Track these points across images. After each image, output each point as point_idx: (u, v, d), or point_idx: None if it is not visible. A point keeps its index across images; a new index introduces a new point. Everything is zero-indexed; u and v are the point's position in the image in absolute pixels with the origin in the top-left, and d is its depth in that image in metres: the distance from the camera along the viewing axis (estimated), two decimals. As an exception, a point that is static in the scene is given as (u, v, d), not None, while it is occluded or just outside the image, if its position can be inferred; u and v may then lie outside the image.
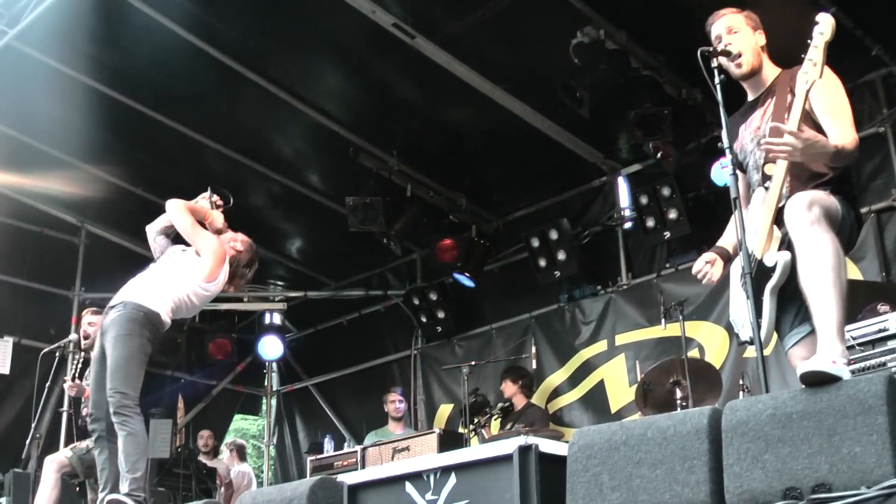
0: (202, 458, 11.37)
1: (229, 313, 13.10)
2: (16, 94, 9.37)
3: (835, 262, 3.94)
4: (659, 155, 9.14)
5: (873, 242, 8.52)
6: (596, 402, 10.28)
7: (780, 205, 4.30)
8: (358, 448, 9.35)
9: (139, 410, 6.38)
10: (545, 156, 10.20)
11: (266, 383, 14.41)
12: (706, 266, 4.83)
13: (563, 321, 10.90)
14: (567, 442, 3.75)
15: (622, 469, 3.46)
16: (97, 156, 10.70)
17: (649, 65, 8.63)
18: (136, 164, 10.89)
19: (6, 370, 11.64)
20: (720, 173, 8.83)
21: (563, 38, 8.27)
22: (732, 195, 4.48)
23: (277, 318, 13.57)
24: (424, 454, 8.12)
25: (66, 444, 11.55)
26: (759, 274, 4.30)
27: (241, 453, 12.97)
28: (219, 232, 7.06)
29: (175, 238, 7.16)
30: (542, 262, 10.62)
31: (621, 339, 10.25)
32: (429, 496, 4.04)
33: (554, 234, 10.47)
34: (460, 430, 9.40)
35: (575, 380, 10.55)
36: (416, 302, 11.91)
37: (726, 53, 4.70)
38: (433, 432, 8.75)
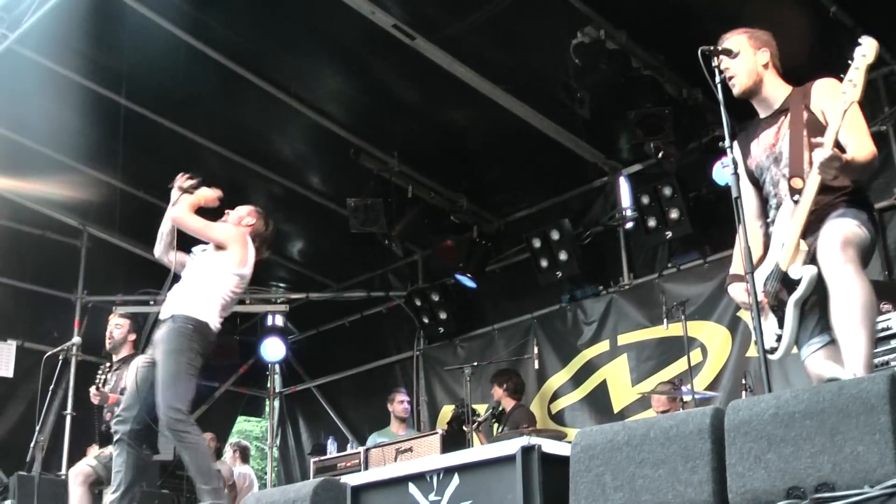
0: (205, 461, 11.36)
1: (231, 315, 13.09)
2: (17, 97, 9.37)
3: (866, 302, 4.14)
4: (660, 155, 9.13)
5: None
6: (598, 403, 10.28)
7: (809, 219, 4.39)
8: (361, 449, 9.36)
9: (193, 421, 6.41)
10: (546, 156, 10.20)
11: (269, 385, 14.42)
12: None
13: (564, 321, 10.90)
14: (570, 442, 3.75)
15: (625, 469, 3.46)
16: (98, 159, 10.72)
17: (650, 65, 8.63)
18: (137, 166, 10.88)
19: (9, 373, 11.66)
20: (721, 173, 8.83)
21: (564, 39, 8.26)
22: (734, 195, 4.50)
23: (279, 320, 13.54)
24: (427, 455, 8.12)
25: (71, 448, 11.62)
26: (784, 285, 4.44)
27: (244, 455, 12.96)
28: (220, 204, 7.04)
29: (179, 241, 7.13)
30: (544, 263, 10.63)
31: (623, 339, 10.25)
32: (432, 497, 4.04)
33: (555, 235, 10.47)
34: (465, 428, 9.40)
35: (577, 380, 10.55)
36: (418, 303, 11.92)
37: (727, 52, 4.73)
38: (436, 433, 8.76)
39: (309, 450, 12.61)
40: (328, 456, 10.23)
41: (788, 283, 4.44)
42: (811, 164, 4.29)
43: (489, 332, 11.60)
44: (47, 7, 8.44)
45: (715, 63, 4.73)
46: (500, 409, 9.76)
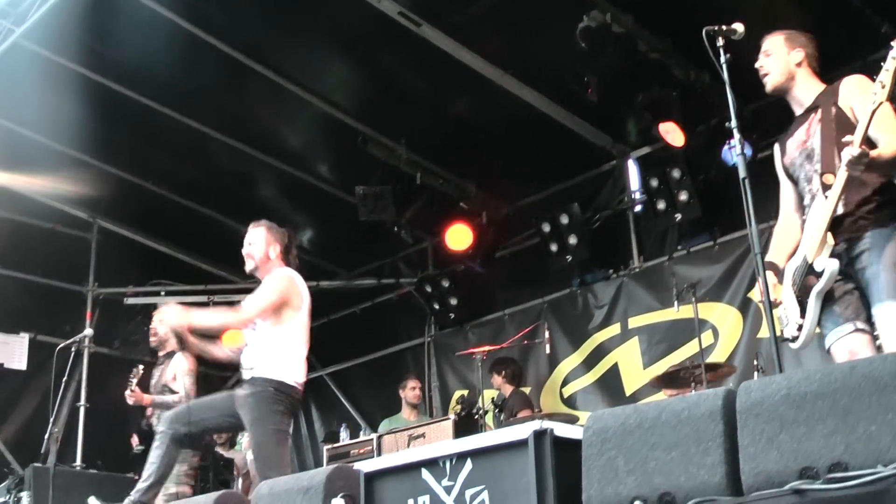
0: (219, 450, 11.38)
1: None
2: (24, 92, 9.38)
3: None
4: (668, 138, 9.12)
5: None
6: (610, 386, 10.28)
7: (836, 214, 4.47)
8: (374, 436, 9.39)
9: None
10: (554, 141, 10.18)
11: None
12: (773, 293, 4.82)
13: (575, 306, 10.90)
14: (582, 426, 3.75)
15: (637, 452, 3.47)
16: (106, 151, 10.74)
17: (656, 48, 8.61)
18: (145, 158, 10.91)
19: (23, 366, 11.71)
20: (730, 154, 8.81)
21: (570, 23, 8.24)
22: (741, 175, 4.51)
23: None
24: (440, 441, 8.13)
25: (85, 439, 11.67)
26: (808, 276, 4.52)
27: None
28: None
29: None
30: (554, 248, 10.62)
31: (634, 322, 10.25)
32: (445, 482, 4.05)
33: (564, 219, 10.47)
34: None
35: (589, 364, 10.56)
36: (429, 289, 11.93)
37: (731, 32, 4.78)
38: (448, 419, 8.78)
39: (322, 437, 12.63)
40: (341, 443, 10.26)
41: (813, 275, 4.51)
42: (841, 160, 4.34)
43: (500, 317, 11.61)
44: (52, 1, 8.45)
45: (720, 43, 4.75)
46: (502, 398, 9.83)
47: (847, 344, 4.45)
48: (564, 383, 10.71)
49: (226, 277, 13.08)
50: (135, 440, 8.52)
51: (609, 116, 9.89)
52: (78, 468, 11.02)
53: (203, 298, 12.14)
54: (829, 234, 4.47)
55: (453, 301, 11.80)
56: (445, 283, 11.77)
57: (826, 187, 4.53)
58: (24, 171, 10.76)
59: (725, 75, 4.72)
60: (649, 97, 8.96)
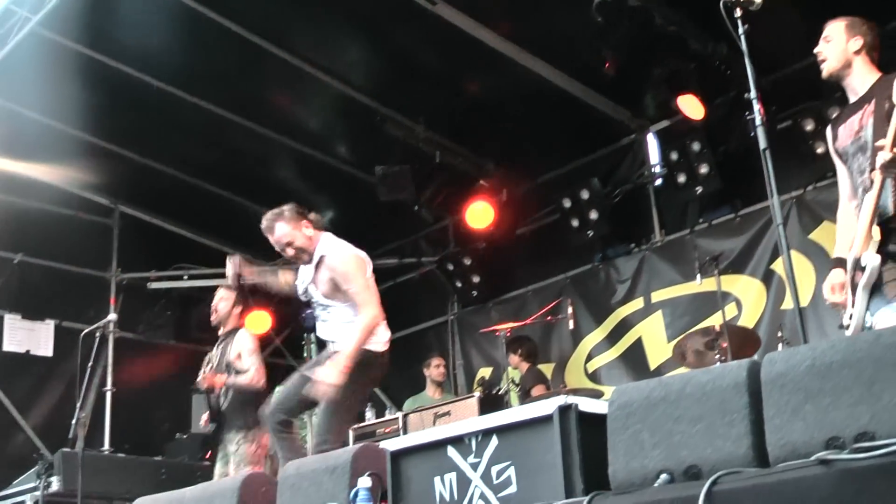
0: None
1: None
2: (42, 79, 9.40)
3: None
4: (687, 111, 9.10)
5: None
6: (634, 360, 10.28)
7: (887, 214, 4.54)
8: (399, 415, 9.40)
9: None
10: (572, 116, 10.16)
11: (305, 355, 14.47)
12: (839, 294, 4.85)
13: (597, 281, 10.89)
14: (607, 401, 3.75)
15: (662, 426, 3.46)
16: (125, 137, 10.77)
17: (673, 20, 8.56)
18: (165, 143, 10.93)
19: (49, 353, 11.76)
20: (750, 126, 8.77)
21: (586, -3, 8.22)
22: (762, 146, 4.50)
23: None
24: (465, 418, 8.14)
25: (112, 423, 11.76)
26: (856, 269, 4.58)
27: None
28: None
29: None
30: (575, 223, 10.61)
31: (657, 296, 10.24)
32: (471, 459, 4.06)
33: (585, 194, 10.45)
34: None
35: (613, 338, 10.56)
36: (451, 268, 11.93)
37: (749, 3, 4.75)
38: (473, 396, 8.77)
39: (348, 417, 12.66)
40: (367, 422, 10.28)
41: (860, 269, 4.57)
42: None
43: (523, 294, 11.61)
44: (68, -12, 8.48)
45: (738, 14, 4.73)
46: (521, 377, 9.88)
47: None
48: (588, 359, 10.72)
49: (248, 259, 13.09)
50: (205, 418, 8.54)
51: (627, 90, 9.85)
52: (106, 452, 11.09)
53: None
54: (876, 228, 4.51)
55: (475, 279, 11.81)
56: (467, 261, 11.77)
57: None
58: (44, 159, 10.79)
59: (744, 46, 4.70)
60: (667, 70, 8.94)
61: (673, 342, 9.75)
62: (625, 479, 3.50)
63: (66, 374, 11.13)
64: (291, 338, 13.87)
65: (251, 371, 8.23)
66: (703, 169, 9.53)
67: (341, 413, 6.36)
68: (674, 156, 9.74)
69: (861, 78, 4.90)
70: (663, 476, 3.38)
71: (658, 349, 10.04)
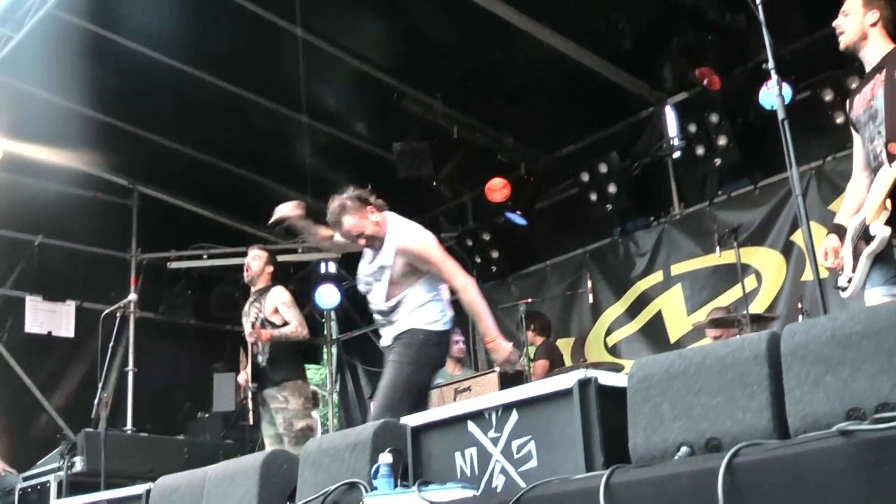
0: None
1: (284, 265, 13.15)
2: (59, 61, 9.43)
3: None
4: (705, 82, 9.05)
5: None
6: (655, 334, 10.28)
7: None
8: (420, 391, 9.40)
9: None
10: (590, 90, 10.12)
11: (325, 332, 14.53)
12: (832, 259, 4.98)
13: (617, 254, 10.88)
14: (627, 374, 3.75)
15: (682, 398, 3.45)
16: (143, 117, 10.80)
17: (690, -9, 8.53)
18: (182, 123, 10.96)
19: (70, 334, 11.85)
20: (768, 96, 8.72)
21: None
22: (780, 117, 4.47)
23: (333, 267, 13.61)
24: (486, 393, 8.14)
25: (135, 403, 11.83)
26: (862, 237, 4.69)
27: (315, 401, 13.07)
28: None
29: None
30: (593, 197, 10.59)
31: (677, 269, 10.22)
32: (491, 434, 4.06)
33: (603, 168, 10.43)
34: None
35: (632, 312, 10.55)
36: (470, 243, 11.92)
37: None
38: (493, 371, 8.78)
39: (368, 394, 12.70)
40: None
41: (867, 237, 4.64)
42: None
43: (542, 268, 11.60)
44: (84, -31, 8.49)
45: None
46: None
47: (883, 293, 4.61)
48: (608, 333, 10.72)
49: (267, 238, 13.14)
50: (242, 378, 8.56)
51: (644, 63, 9.82)
52: (129, 432, 11.17)
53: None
54: (889, 200, 4.56)
55: (495, 254, 11.81)
56: (486, 237, 11.77)
57: (891, 156, 4.60)
58: (62, 142, 10.83)
59: (761, 16, 4.68)
60: (684, 42, 8.89)
61: (693, 315, 9.75)
62: (645, 453, 3.49)
63: (88, 354, 11.20)
64: (311, 315, 13.89)
65: (293, 322, 8.35)
66: (722, 141, 9.48)
67: (404, 396, 6.14)
68: (692, 128, 9.70)
69: (875, 49, 4.93)
70: (684, 449, 3.38)
71: (678, 322, 10.03)
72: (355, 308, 13.88)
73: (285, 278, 13.33)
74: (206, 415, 11.30)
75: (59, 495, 8.35)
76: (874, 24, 4.93)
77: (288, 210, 6.97)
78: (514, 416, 3.99)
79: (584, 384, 3.73)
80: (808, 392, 3.13)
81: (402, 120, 10.42)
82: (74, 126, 10.45)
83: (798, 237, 8.99)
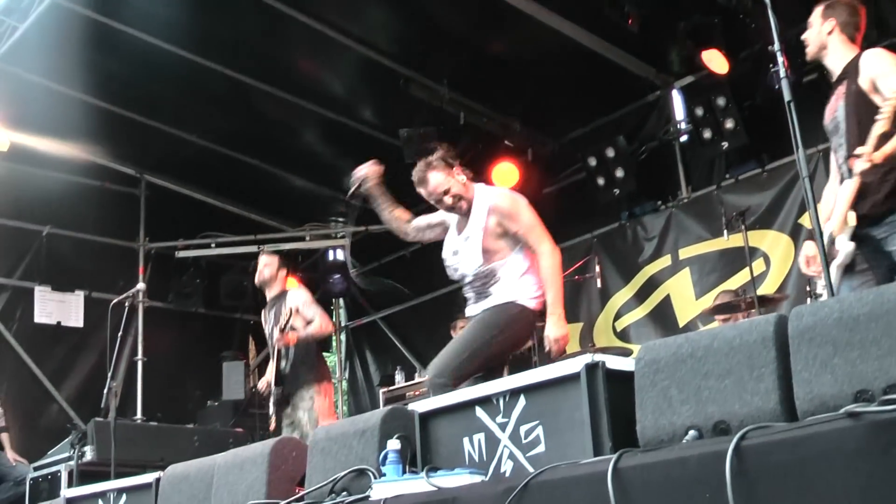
0: (277, 397, 11.52)
1: (292, 253, 13.17)
2: (65, 51, 9.43)
3: None
4: (711, 65, 9.03)
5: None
6: (663, 318, 10.27)
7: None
8: (428, 377, 9.41)
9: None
10: (597, 74, 10.09)
11: (334, 319, 14.54)
12: (813, 266, 5.15)
13: (625, 239, 10.87)
14: (634, 358, 3.74)
15: (690, 382, 3.45)
16: (149, 106, 10.81)
17: (697, -27, 8.51)
18: (188, 111, 10.96)
19: (79, 323, 11.88)
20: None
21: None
22: (787, 99, 4.45)
23: (341, 255, 13.62)
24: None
25: (144, 392, 11.84)
26: (831, 246, 4.75)
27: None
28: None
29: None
30: (601, 181, 10.59)
31: (685, 252, 10.21)
32: (499, 419, 4.06)
33: (611, 152, 10.42)
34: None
35: (641, 296, 10.54)
36: (477, 229, 11.89)
37: None
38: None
39: (377, 381, 12.72)
40: (397, 386, 10.32)
41: (834, 248, 4.77)
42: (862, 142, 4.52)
43: (550, 253, 11.57)
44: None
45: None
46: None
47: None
48: (617, 317, 10.71)
49: (275, 226, 13.16)
50: (263, 384, 8.51)
51: (651, 46, 9.79)
52: (138, 421, 11.20)
53: (254, 249, 12.20)
54: (852, 213, 4.67)
55: (502, 239, 11.77)
56: (493, 223, 11.73)
57: (852, 172, 4.67)
58: (69, 131, 10.82)
59: (768, -1, 4.66)
60: (691, 25, 8.87)
61: (701, 299, 9.74)
62: (653, 436, 3.49)
63: (98, 344, 11.24)
64: (320, 302, 13.87)
65: (317, 319, 8.30)
66: (729, 124, 9.47)
67: (472, 356, 5.89)
68: (699, 111, 9.68)
69: (836, 58, 5.09)
70: (692, 432, 3.37)
71: (686, 306, 10.02)
72: (364, 295, 13.91)
73: (293, 266, 13.38)
74: (216, 403, 11.32)
75: (70, 485, 8.36)
76: (830, 33, 5.08)
77: (367, 168, 6.81)
78: (522, 401, 3.99)
79: (591, 368, 3.73)
80: (815, 374, 3.13)
81: (409, 106, 10.41)
82: (80, 116, 10.45)
83: (806, 220, 8.97)
